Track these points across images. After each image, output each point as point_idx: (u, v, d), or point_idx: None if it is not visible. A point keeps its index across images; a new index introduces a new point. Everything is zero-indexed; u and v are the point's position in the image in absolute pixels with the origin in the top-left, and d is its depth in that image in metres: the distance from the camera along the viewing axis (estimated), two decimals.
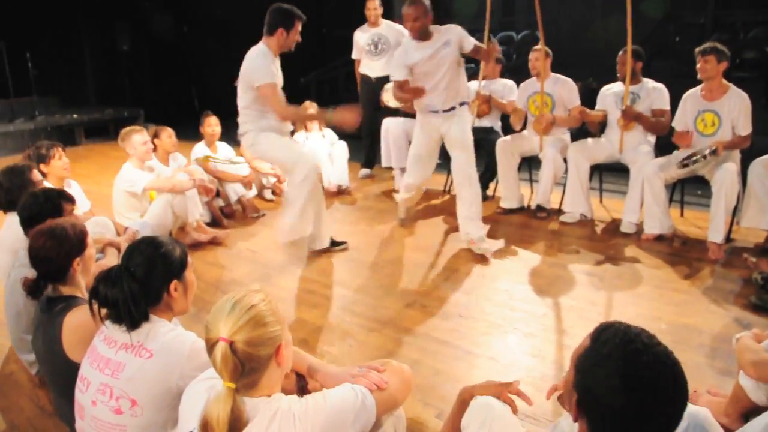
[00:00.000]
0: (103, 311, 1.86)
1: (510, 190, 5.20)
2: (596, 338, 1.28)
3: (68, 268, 2.24)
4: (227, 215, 5.24)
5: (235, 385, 1.44)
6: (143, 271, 1.87)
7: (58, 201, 2.76)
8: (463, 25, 4.19)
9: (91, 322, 1.88)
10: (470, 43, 4.09)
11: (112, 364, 1.82)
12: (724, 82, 4.19)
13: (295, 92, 9.52)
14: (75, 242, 2.27)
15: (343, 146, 6.03)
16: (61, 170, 3.98)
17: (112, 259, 3.05)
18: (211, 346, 1.45)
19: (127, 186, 4.42)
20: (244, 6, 10.77)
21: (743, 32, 8.48)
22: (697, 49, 4.18)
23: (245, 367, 1.45)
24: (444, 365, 2.91)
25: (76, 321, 2.10)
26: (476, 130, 4.80)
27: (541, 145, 5.03)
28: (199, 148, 5.37)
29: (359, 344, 3.14)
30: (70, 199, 2.86)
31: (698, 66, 4.17)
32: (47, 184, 3.56)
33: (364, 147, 6.40)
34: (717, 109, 4.20)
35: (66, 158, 4.03)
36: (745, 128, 4.15)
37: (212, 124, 5.41)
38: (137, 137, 4.43)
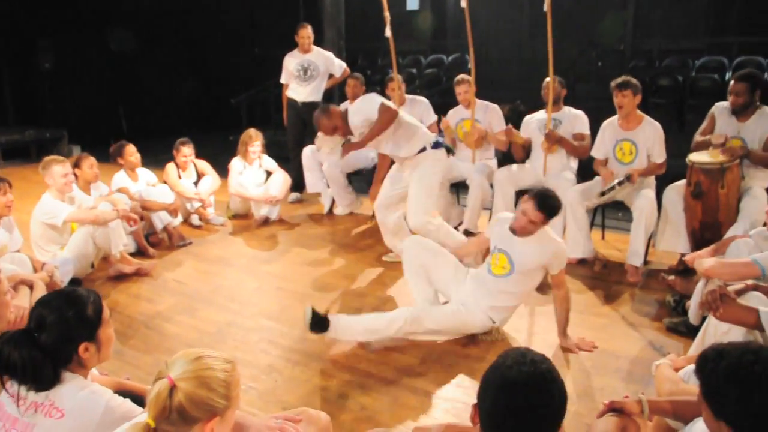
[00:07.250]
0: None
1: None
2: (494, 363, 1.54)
3: None
4: (153, 244, 5.06)
5: (155, 425, 1.45)
6: (49, 335, 1.77)
7: None
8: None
9: None
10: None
11: (20, 424, 1.74)
12: (639, 112, 4.38)
13: (226, 113, 9.48)
14: None
15: (281, 177, 5.76)
16: (2, 208, 3.74)
17: (23, 299, 2.90)
18: (156, 379, 1.48)
19: (47, 218, 4.20)
20: (173, 25, 10.64)
21: (659, 60, 8.93)
22: (613, 84, 4.33)
23: (171, 415, 1.45)
24: (370, 399, 2.91)
25: None
26: None
27: (473, 158, 5.15)
28: (120, 177, 5.14)
29: (285, 379, 3.10)
30: None
31: (615, 100, 4.32)
32: None
33: (292, 171, 6.35)
34: (633, 139, 4.38)
35: (10, 195, 3.77)
36: (660, 156, 4.35)
37: (133, 152, 5.18)
38: (58, 168, 4.20)
